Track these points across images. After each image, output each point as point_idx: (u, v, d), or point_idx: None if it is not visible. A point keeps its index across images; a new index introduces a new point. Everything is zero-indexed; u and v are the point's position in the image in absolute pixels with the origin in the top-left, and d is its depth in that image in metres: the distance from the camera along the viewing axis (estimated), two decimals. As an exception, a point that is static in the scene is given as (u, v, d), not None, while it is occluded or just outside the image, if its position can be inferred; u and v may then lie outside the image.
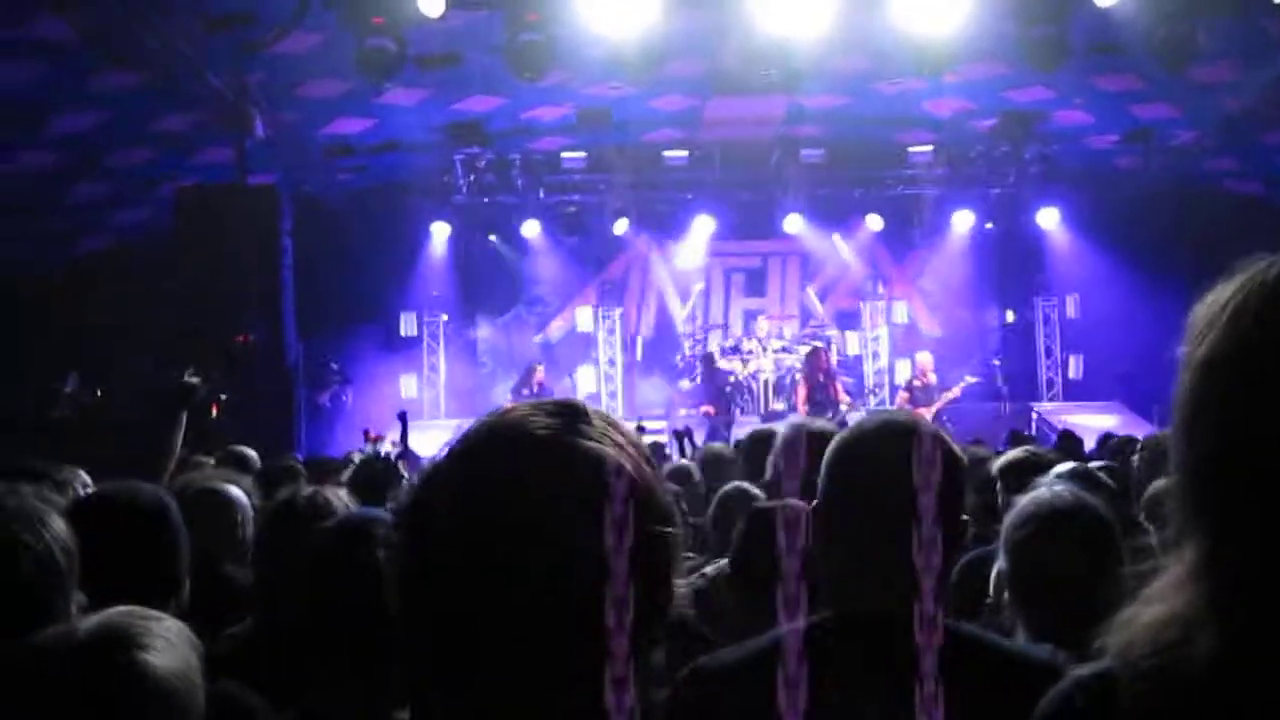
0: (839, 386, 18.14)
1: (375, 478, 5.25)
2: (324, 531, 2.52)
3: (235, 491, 4.39)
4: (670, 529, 1.35)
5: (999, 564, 3.30)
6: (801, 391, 17.83)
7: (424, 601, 1.29)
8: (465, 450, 1.33)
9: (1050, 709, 1.37)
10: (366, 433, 13.30)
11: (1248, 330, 1.23)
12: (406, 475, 6.45)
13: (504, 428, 1.33)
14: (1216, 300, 1.28)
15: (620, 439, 1.35)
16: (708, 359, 19.14)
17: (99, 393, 16.00)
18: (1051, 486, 3.18)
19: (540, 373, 18.98)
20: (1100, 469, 5.09)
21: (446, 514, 1.29)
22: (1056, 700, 1.37)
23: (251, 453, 7.23)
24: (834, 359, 19.63)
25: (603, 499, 1.25)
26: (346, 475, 6.66)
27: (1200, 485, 1.25)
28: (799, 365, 20.17)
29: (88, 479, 4.17)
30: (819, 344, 19.45)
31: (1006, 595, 3.02)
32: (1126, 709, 1.25)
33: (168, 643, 1.87)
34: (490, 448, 1.32)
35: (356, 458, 9.25)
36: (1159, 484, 4.40)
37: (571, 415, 1.34)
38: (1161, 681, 1.23)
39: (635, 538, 1.25)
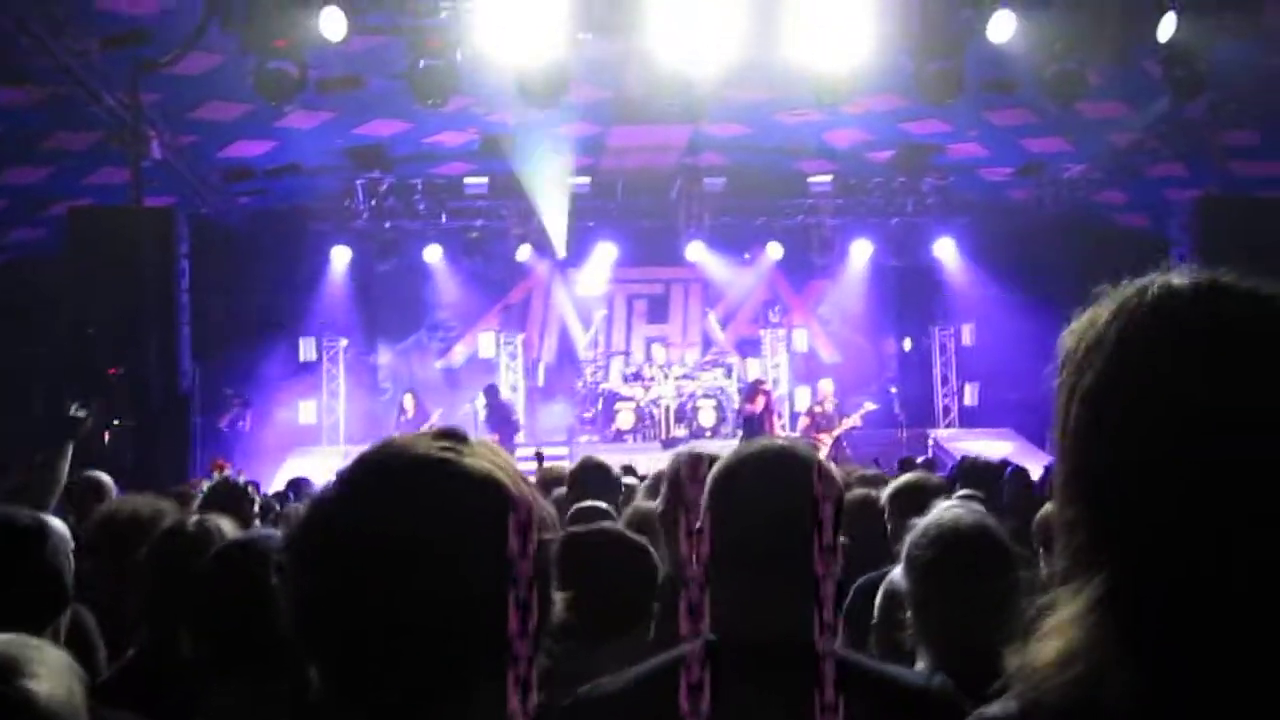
0: (774, 420, 18.29)
1: (226, 502, 5.18)
2: (213, 555, 2.50)
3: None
4: (550, 537, 1.40)
5: (893, 583, 3.34)
6: (738, 420, 18.00)
7: (320, 621, 1.32)
8: (355, 475, 1.37)
9: None
10: (214, 461, 13.12)
11: (1137, 360, 1.22)
12: (257, 498, 6.39)
13: (391, 452, 1.37)
14: (1093, 325, 1.27)
15: (499, 460, 1.40)
16: (491, 389, 19.20)
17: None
18: (950, 508, 3.21)
19: (409, 401, 19.22)
20: (970, 496, 5.20)
21: (339, 535, 1.32)
22: None
23: (106, 479, 7.01)
24: (774, 393, 19.77)
25: (492, 512, 1.30)
26: (196, 505, 6.52)
27: (1098, 517, 1.23)
28: (700, 392, 20.31)
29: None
30: (763, 379, 19.60)
31: (909, 615, 3.04)
32: None
33: (51, 671, 1.85)
34: (378, 471, 1.36)
35: (204, 486, 9.10)
36: (1049, 509, 4.48)
37: (453, 439, 1.39)
38: (1075, 717, 1.21)
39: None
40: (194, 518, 3.39)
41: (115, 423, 12.94)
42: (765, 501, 2.14)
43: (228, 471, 9.80)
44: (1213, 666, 1.16)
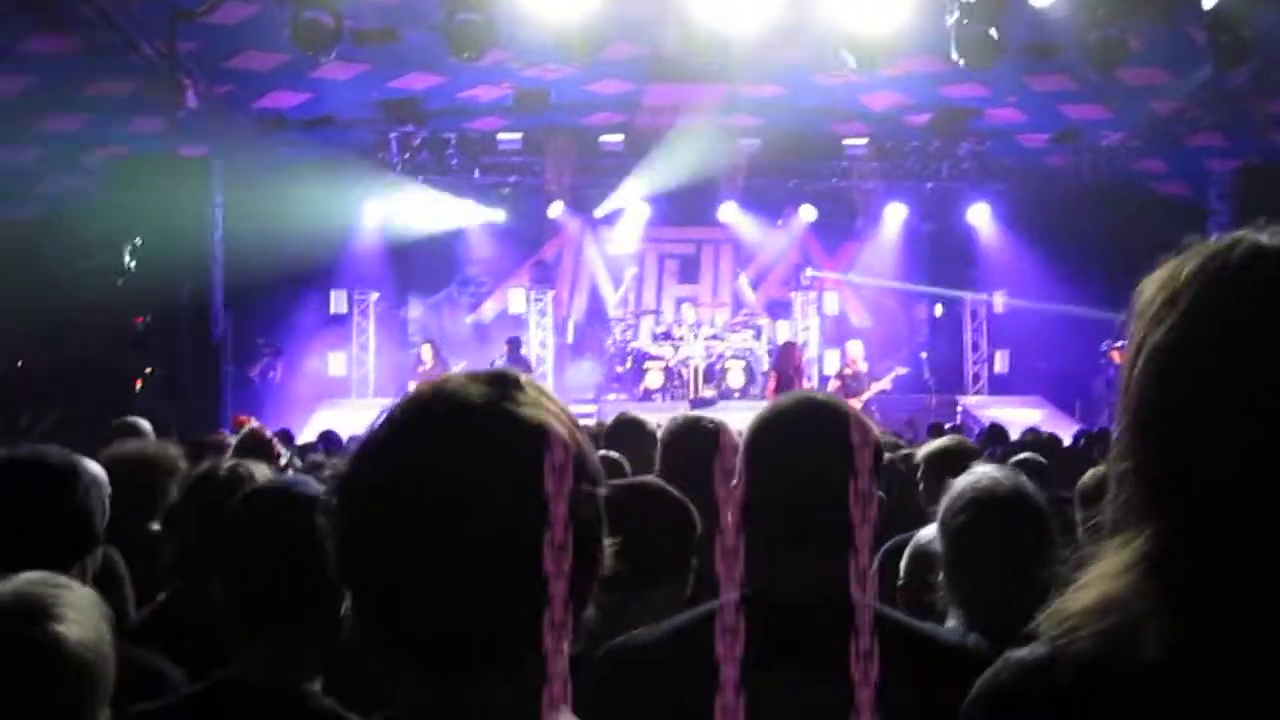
0: (804, 384, 18.26)
1: (255, 452, 5.20)
2: (242, 500, 2.51)
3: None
4: (600, 490, 1.39)
5: (920, 544, 3.34)
6: (771, 384, 17.95)
7: (365, 562, 1.32)
8: (403, 418, 1.36)
9: (987, 689, 1.34)
10: (235, 418, 13.20)
11: (1213, 318, 1.20)
12: (285, 451, 6.43)
13: (440, 396, 1.36)
14: (1172, 278, 1.25)
15: (552, 406, 1.38)
16: (514, 342, 19.07)
17: (19, 364, 15.72)
18: (987, 472, 3.19)
19: (428, 351, 18.92)
20: (1026, 460, 5.20)
21: (386, 479, 1.31)
22: (993, 680, 1.34)
23: (145, 424, 7.06)
24: (804, 355, 19.72)
25: (539, 459, 1.29)
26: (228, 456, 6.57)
27: (1156, 472, 1.22)
28: (729, 352, 20.28)
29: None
30: (794, 340, 19.56)
31: (941, 576, 3.04)
32: (1067, 693, 1.24)
33: (79, 612, 1.86)
34: (427, 415, 1.35)
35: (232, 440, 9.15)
36: (1093, 472, 4.46)
37: (505, 384, 1.38)
38: (1105, 667, 1.21)
39: (570, 495, 1.29)
40: (229, 462, 3.40)
41: (148, 371, 13.06)
42: (801, 454, 2.12)
43: (252, 424, 9.83)
44: (1256, 626, 1.16)
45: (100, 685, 1.90)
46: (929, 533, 3.45)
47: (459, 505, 1.28)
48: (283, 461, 5.81)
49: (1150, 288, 1.27)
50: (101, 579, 3.02)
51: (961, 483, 3.10)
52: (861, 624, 1.48)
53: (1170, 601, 1.19)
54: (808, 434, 2.16)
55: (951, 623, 2.93)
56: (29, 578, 1.93)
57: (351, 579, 1.34)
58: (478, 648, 1.30)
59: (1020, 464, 5.03)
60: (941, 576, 3.03)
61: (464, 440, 1.31)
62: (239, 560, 2.35)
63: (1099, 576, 1.24)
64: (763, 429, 2.30)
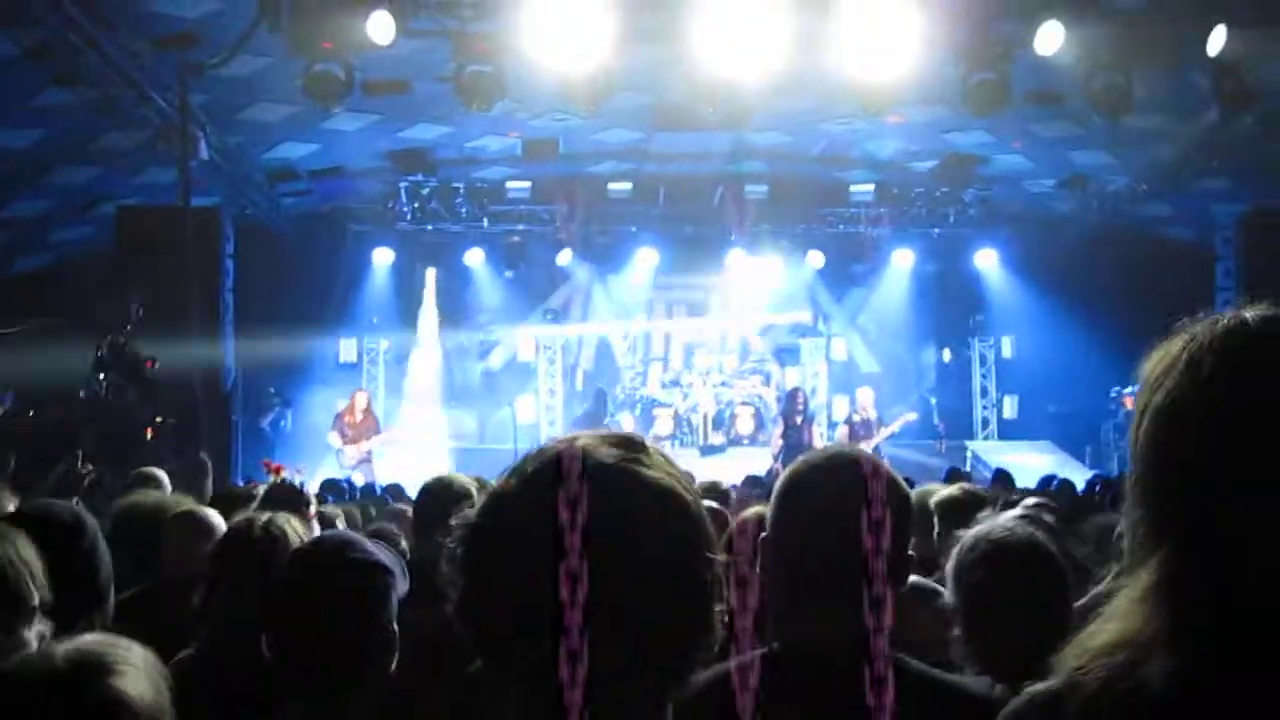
0: (814, 430, 18.26)
1: (285, 503, 5.21)
2: (294, 559, 2.51)
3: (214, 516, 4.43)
4: (718, 558, 1.41)
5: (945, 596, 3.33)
6: (777, 430, 17.95)
7: (491, 616, 1.36)
8: (535, 474, 1.38)
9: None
10: (267, 464, 13.15)
11: (1200, 380, 1.35)
12: (313, 499, 6.42)
13: (572, 455, 1.38)
14: (1167, 353, 1.41)
15: (675, 471, 1.42)
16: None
17: (32, 413, 15.75)
18: (998, 522, 3.19)
19: (362, 400, 18.28)
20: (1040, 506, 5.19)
21: (517, 534, 1.35)
22: (1008, 713, 1.44)
23: (162, 474, 7.09)
24: (812, 402, 19.72)
25: (667, 522, 1.33)
26: (255, 506, 6.57)
27: (1158, 516, 1.37)
28: (738, 399, 20.29)
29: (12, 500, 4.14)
30: (799, 386, 19.55)
31: (955, 629, 3.03)
32: None
33: (140, 671, 1.87)
34: (560, 472, 1.37)
35: (260, 489, 9.13)
36: (1105, 518, 4.47)
37: (633, 447, 1.41)
38: (1114, 698, 1.30)
39: (690, 562, 1.36)
40: (264, 517, 3.41)
41: (158, 420, 13.07)
42: (829, 512, 2.13)
43: (285, 474, 9.79)
44: (1255, 657, 1.27)
45: None
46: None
47: (590, 560, 1.30)
48: (311, 511, 5.80)
49: (1149, 364, 1.44)
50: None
51: (973, 535, 3.09)
52: (888, 677, 1.50)
53: (1175, 635, 1.30)
54: (838, 490, 2.16)
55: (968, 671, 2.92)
56: (89, 637, 1.94)
57: (473, 627, 1.37)
58: (599, 702, 1.32)
59: (1030, 512, 5.01)
60: (956, 631, 3.02)
61: (595, 502, 1.33)
62: (289, 622, 2.35)
63: (1113, 614, 1.37)
64: (793, 485, 2.30)
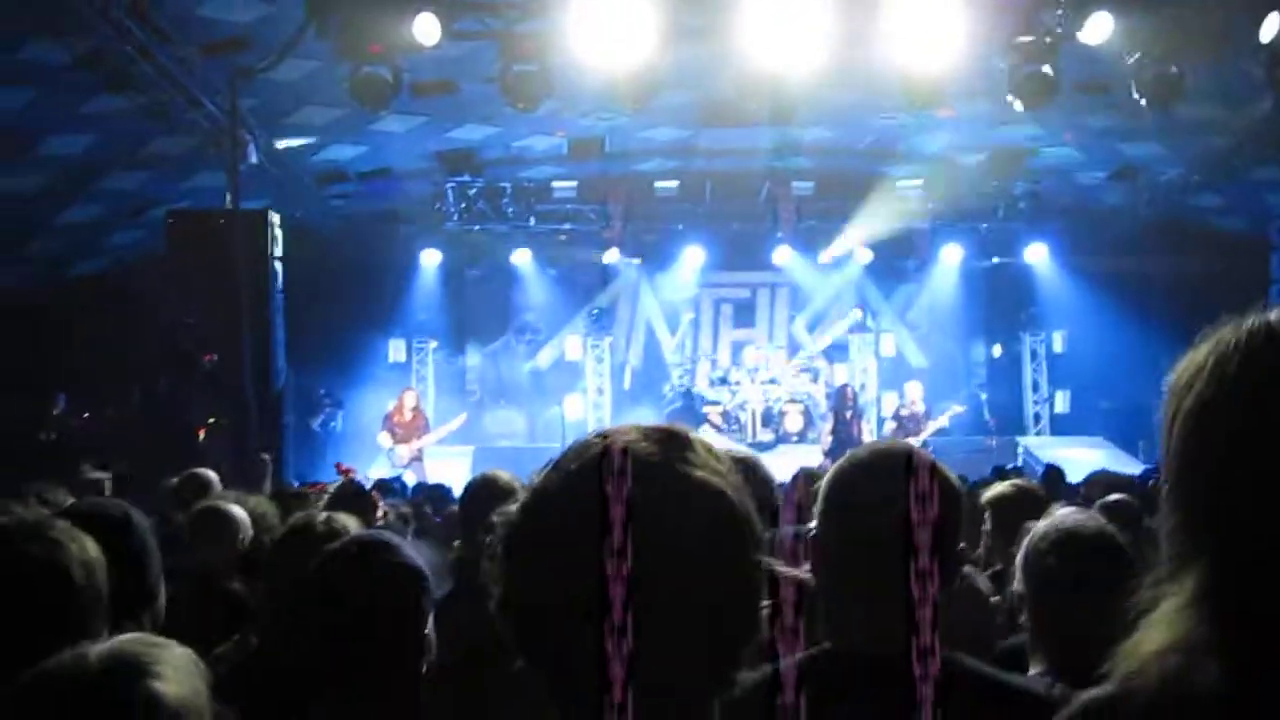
0: (863, 425, 18.22)
1: (350, 506, 5.23)
2: (320, 559, 2.51)
3: (236, 509, 4.46)
4: (763, 557, 1.40)
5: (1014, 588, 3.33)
6: (826, 426, 17.91)
7: (530, 614, 1.36)
8: (576, 471, 1.37)
9: None
10: (339, 466, 13.24)
11: (1229, 381, 1.35)
12: (380, 502, 6.43)
13: (612, 451, 1.37)
14: (1193, 359, 1.41)
15: (721, 467, 1.40)
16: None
17: (86, 415, 15.96)
18: (1071, 514, 3.19)
19: (411, 399, 18.14)
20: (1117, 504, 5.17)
21: (556, 531, 1.34)
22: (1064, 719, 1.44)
23: (212, 475, 7.14)
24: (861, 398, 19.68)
25: (710, 524, 1.32)
26: (322, 503, 6.61)
27: (1195, 521, 1.37)
28: (786, 396, 20.23)
29: (69, 499, 4.19)
30: (848, 383, 19.50)
31: (1023, 619, 3.04)
32: None
33: (177, 671, 1.86)
34: (601, 469, 1.35)
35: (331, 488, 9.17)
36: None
37: (677, 442, 1.39)
38: (1166, 708, 1.30)
39: (733, 561, 1.34)
40: (323, 515, 3.42)
41: (210, 421, 13.20)
42: (878, 508, 2.11)
43: (354, 475, 9.84)
44: None
45: None
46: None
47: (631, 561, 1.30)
48: (379, 513, 5.81)
49: (1176, 371, 1.44)
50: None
51: (1044, 524, 3.10)
52: (941, 677, 1.49)
53: (1223, 638, 1.30)
54: (884, 487, 2.14)
55: (1035, 669, 2.92)
56: (126, 637, 1.94)
57: (515, 626, 1.37)
58: (643, 702, 1.31)
59: (1108, 507, 4.99)
60: (1024, 619, 3.02)
61: (639, 497, 1.32)
62: (318, 621, 2.35)
63: (1160, 620, 1.36)
64: (841, 479, 2.28)
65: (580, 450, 1.40)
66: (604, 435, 1.41)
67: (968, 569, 4.03)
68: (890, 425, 18.51)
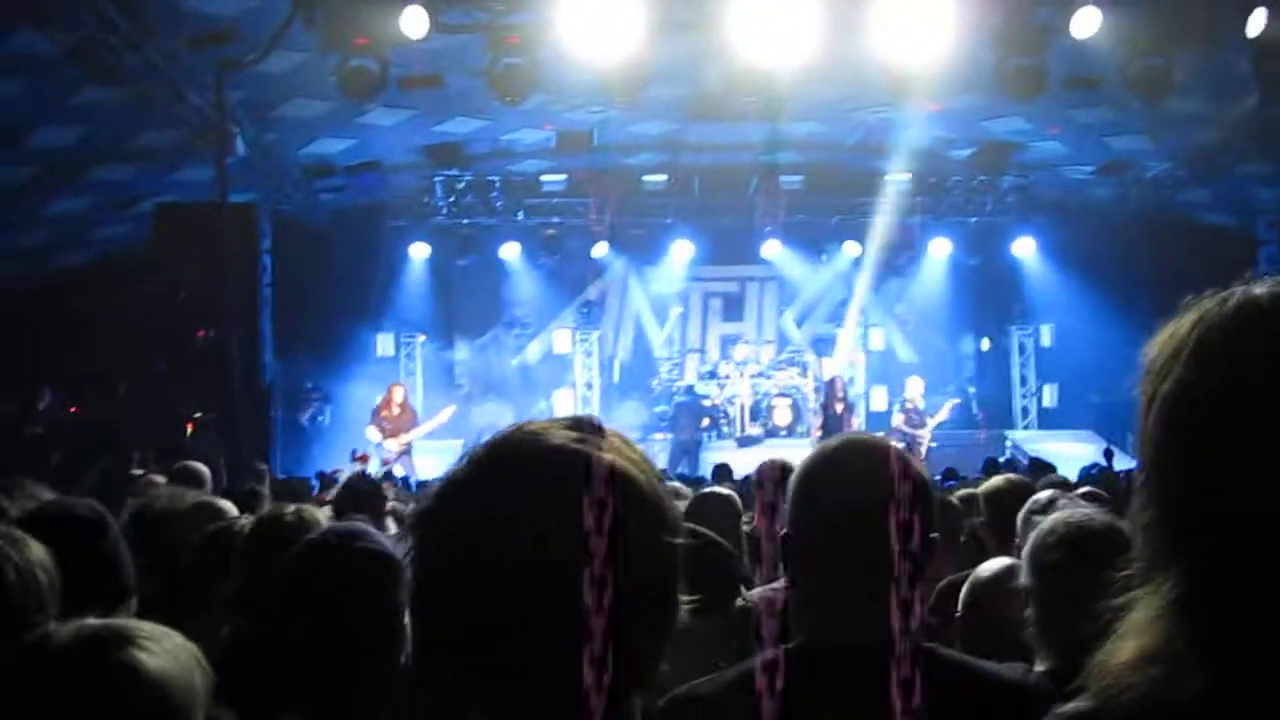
0: (854, 419, 18.24)
1: (359, 498, 5.21)
2: (293, 550, 2.51)
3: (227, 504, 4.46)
4: (678, 540, 1.38)
5: (979, 584, 3.33)
6: (817, 419, 17.94)
7: (436, 605, 1.33)
8: (485, 459, 1.37)
9: None
10: (354, 453, 13.26)
11: (1213, 365, 1.24)
12: (392, 496, 6.42)
13: (523, 440, 1.37)
14: (1174, 335, 1.29)
15: (633, 455, 1.39)
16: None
17: (72, 409, 15.91)
18: (1076, 508, 3.19)
19: (399, 393, 18.03)
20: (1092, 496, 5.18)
21: (464, 520, 1.32)
22: None
23: (204, 468, 7.14)
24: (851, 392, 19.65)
25: (617, 505, 1.29)
26: (332, 494, 6.60)
27: (1175, 520, 1.25)
28: (775, 390, 20.23)
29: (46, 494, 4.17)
30: (839, 375, 19.48)
31: (1029, 612, 3.04)
32: None
33: (166, 650, 1.85)
34: (509, 457, 1.36)
35: (341, 477, 9.17)
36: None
37: (587, 430, 1.38)
38: (1147, 716, 1.23)
39: (647, 546, 1.31)
40: (291, 508, 3.42)
41: (198, 415, 13.18)
42: (848, 500, 2.10)
43: (370, 464, 9.84)
44: None
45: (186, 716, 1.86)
46: (992, 566, 3.47)
47: (535, 550, 1.28)
48: (388, 506, 5.79)
49: (1155, 347, 1.31)
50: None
51: (1052, 519, 3.10)
52: (915, 666, 1.48)
53: (1201, 645, 1.20)
54: (856, 476, 2.14)
55: (1039, 665, 2.93)
56: (109, 620, 1.93)
57: (421, 616, 1.35)
58: (546, 685, 1.30)
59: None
60: (1029, 612, 3.03)
61: (544, 484, 1.31)
62: (290, 612, 2.34)
63: (1134, 627, 1.27)
64: (810, 472, 2.28)
65: (492, 440, 1.39)
66: (517, 425, 1.40)
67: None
68: (898, 417, 18.52)
